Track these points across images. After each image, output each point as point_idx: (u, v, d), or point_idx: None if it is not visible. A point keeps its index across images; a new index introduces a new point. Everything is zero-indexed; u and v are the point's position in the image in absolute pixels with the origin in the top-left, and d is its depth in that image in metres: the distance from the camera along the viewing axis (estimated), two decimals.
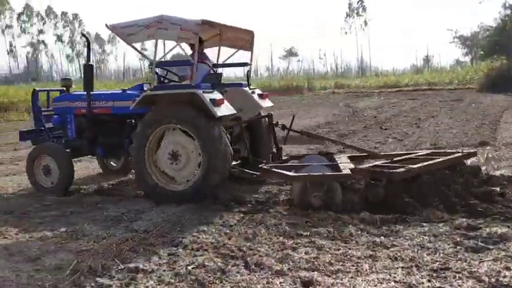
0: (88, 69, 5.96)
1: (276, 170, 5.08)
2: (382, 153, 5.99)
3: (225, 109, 5.11)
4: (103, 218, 4.66)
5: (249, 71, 6.43)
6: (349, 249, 3.56)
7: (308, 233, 3.95)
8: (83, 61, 78.82)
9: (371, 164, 5.17)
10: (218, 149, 4.98)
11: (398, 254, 3.39)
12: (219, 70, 6.52)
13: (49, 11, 74.85)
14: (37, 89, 6.67)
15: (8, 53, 71.46)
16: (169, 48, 5.89)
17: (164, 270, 3.27)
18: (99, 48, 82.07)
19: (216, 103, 4.97)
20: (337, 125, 12.64)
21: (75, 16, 77.23)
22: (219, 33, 6.26)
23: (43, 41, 75.38)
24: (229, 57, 6.56)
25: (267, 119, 6.00)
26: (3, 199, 5.61)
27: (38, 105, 6.46)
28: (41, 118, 6.40)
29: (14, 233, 4.24)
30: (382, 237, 3.80)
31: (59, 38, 76.69)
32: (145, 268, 3.30)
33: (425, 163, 4.90)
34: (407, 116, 14.52)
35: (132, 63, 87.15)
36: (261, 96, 6.25)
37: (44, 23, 74.79)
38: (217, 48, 6.53)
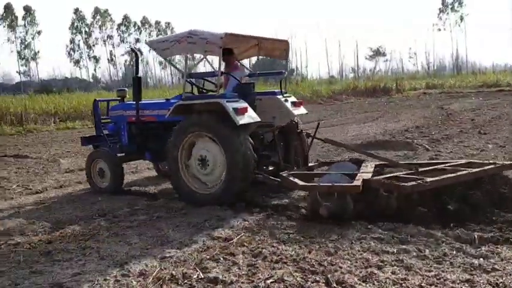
0: (136, 81, 6.39)
1: (289, 178, 5.08)
2: (410, 162, 5.71)
3: (248, 117, 5.32)
4: (186, 224, 4.75)
5: (283, 79, 6.55)
6: (443, 271, 3.25)
7: (395, 250, 3.68)
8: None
9: (385, 176, 4.92)
10: (239, 155, 5.20)
11: (501, 280, 3.02)
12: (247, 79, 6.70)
13: (144, 20, 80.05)
14: (97, 99, 7.39)
15: (108, 62, 77.68)
16: (197, 61, 6.37)
17: (243, 283, 3.23)
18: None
19: (239, 111, 5.22)
20: (428, 129, 11.83)
21: (168, 25, 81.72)
22: (257, 44, 6.48)
23: (139, 49, 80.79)
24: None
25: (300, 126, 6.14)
26: (97, 202, 5.98)
27: (99, 114, 7.13)
28: (100, 125, 7.05)
29: (105, 236, 4.47)
30: (481, 258, 3.43)
31: None
32: (224, 279, 3.28)
33: (445, 176, 4.64)
34: (510, 119, 13.21)
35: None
36: (294, 104, 6.35)
37: (140, 32, 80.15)
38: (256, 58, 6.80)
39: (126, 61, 79.90)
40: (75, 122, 22.22)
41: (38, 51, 67.36)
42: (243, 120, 5.23)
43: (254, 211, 5.08)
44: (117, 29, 77.64)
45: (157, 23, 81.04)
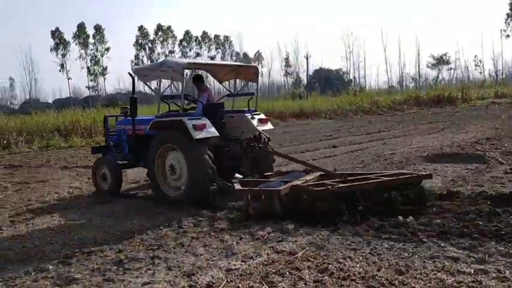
0: (133, 100, 7.38)
1: (233, 184, 6.10)
2: (343, 173, 6.50)
3: (205, 132, 6.33)
4: (250, 236, 4.75)
5: (250, 99, 7.74)
6: None
7: (472, 271, 3.46)
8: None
9: (311, 183, 5.73)
10: (197, 165, 6.26)
11: None
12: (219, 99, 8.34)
13: (204, 35, 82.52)
14: (106, 115, 8.76)
15: None
16: (167, 86, 8.39)
17: None
18: None
19: (197, 128, 6.25)
20: (500, 140, 11.11)
21: (226, 38, 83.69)
22: (235, 69, 7.80)
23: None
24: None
25: (266, 139, 7.02)
26: (163, 212, 6.15)
27: (108, 127, 8.38)
28: (108, 137, 8.23)
29: (172, 246, 4.58)
30: None
31: (212, 59, 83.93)
32: None
33: (355, 183, 5.59)
34: None
35: (277, 79, 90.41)
36: (260, 120, 7.37)
37: (200, 47, 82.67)
38: (233, 80, 8.41)
39: (186, 75, 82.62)
40: None
41: (106, 67, 71.28)
42: (200, 135, 6.23)
43: (318, 226, 4.97)
44: (178, 44, 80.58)
45: (216, 37, 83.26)
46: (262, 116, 7.54)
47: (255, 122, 7.27)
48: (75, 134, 21.73)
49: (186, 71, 7.52)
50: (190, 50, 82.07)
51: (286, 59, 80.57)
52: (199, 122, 6.38)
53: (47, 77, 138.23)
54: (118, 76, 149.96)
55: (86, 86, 71.20)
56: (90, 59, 69.86)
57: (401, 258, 3.84)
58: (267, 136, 7.10)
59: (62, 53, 66.99)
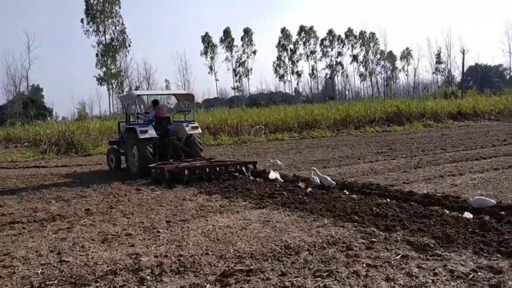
0: (126, 117, 12.99)
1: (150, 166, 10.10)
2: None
3: (147, 134, 10.64)
4: (447, 273, 3.62)
5: (186, 114, 13.29)
6: None
7: None
8: (374, 79, 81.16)
9: (184, 165, 9.86)
10: (141, 154, 10.67)
11: None
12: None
13: (349, 32, 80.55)
14: (119, 121, 14.07)
15: (310, 76, 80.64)
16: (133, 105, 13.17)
17: None
18: (391, 65, 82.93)
19: (142, 132, 10.62)
20: None
21: (372, 35, 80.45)
22: (175, 95, 14.23)
23: (340, 62, 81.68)
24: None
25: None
26: (324, 226, 5.31)
27: (120, 129, 13.18)
28: (120, 135, 12.88)
29: (345, 275, 3.68)
30: None
31: (355, 58, 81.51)
32: None
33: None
34: None
35: (424, 78, 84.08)
36: (193, 127, 11.54)
37: (342, 46, 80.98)
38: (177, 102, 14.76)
39: (326, 74, 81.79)
40: (283, 133, 23.02)
41: (251, 69, 74.24)
42: (142, 136, 10.58)
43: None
44: (320, 44, 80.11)
45: (362, 33, 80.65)
46: (195, 124, 11.72)
47: (187, 129, 11.47)
48: (223, 132, 22.44)
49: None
50: (332, 49, 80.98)
51: (438, 55, 74.02)
52: (144, 128, 10.83)
53: (198, 79, 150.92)
54: (260, 77, 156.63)
55: (231, 87, 75.17)
56: (236, 61, 73.43)
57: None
58: (199, 136, 11.90)
59: (210, 56, 71.67)
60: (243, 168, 9.91)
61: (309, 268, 3.93)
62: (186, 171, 9.20)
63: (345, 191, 7.41)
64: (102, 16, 54.15)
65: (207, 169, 9.58)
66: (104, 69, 54.83)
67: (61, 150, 19.03)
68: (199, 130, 11.86)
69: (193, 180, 9.20)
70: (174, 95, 13.65)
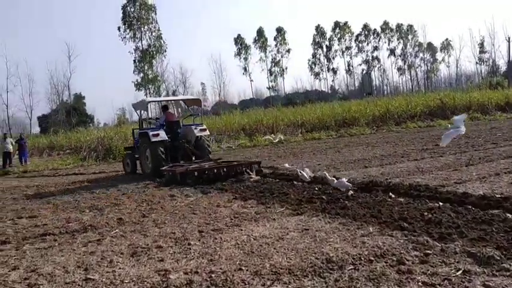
0: (140, 123, 13.65)
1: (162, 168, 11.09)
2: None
3: (159, 137, 11.70)
4: None
5: (195, 118, 14.19)
6: None
7: None
8: (413, 72, 78.63)
9: (193, 167, 10.67)
10: (153, 156, 11.67)
11: None
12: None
13: (385, 26, 78.42)
14: (133, 128, 15.32)
15: (346, 72, 79.13)
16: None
17: None
18: (431, 57, 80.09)
19: (154, 135, 11.64)
20: None
21: (410, 27, 77.99)
22: (184, 100, 14.72)
23: (376, 57, 79.65)
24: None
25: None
26: (369, 235, 4.80)
27: (134, 135, 14.26)
28: (134, 140, 14.04)
29: None
30: None
31: (392, 52, 79.24)
32: None
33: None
34: None
35: (466, 69, 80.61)
36: (201, 130, 12.61)
37: (379, 40, 78.93)
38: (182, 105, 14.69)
39: (363, 70, 79.98)
40: (320, 132, 22.40)
41: (286, 68, 73.63)
42: (154, 139, 11.61)
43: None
44: (355, 39, 78.45)
45: (399, 26, 78.34)
46: (203, 127, 12.74)
47: (196, 131, 12.43)
48: (259, 133, 22.08)
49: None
50: (367, 44, 79.13)
51: (481, 44, 70.76)
52: (156, 132, 11.76)
53: (233, 81, 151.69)
54: (296, 76, 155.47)
55: (267, 87, 74.83)
56: (271, 61, 73.00)
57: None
58: (207, 139, 12.93)
59: (244, 57, 71.62)
60: (248, 169, 10.24)
61: (355, 287, 3.46)
62: (196, 173, 9.94)
63: (391, 193, 6.81)
64: (138, 23, 55.07)
65: (215, 170, 10.07)
66: (142, 74, 55.76)
67: (99, 156, 19.29)
68: (207, 132, 12.96)
69: (203, 180, 9.82)
70: (183, 100, 14.53)
